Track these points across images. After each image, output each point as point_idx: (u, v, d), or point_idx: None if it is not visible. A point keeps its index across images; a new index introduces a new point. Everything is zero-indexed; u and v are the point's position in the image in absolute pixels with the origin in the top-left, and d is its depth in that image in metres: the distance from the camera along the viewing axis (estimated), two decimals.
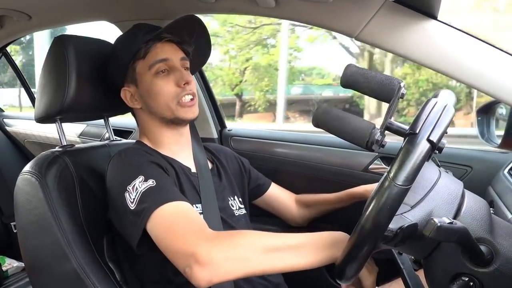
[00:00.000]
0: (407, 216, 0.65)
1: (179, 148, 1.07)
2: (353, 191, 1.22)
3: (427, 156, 0.59)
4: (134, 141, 1.26)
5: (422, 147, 0.59)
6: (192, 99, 1.02)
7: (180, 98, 1.00)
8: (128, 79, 1.04)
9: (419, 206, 0.67)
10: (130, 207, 0.85)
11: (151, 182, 0.85)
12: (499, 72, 0.89)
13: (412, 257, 0.86)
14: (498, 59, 0.89)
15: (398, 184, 0.57)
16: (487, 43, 0.90)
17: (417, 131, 0.60)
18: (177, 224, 0.80)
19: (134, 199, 0.85)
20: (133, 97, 1.04)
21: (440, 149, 0.66)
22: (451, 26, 0.92)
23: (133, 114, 1.10)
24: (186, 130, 1.09)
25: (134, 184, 0.86)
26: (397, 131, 0.66)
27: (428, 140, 0.59)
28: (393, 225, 0.60)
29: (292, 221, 1.32)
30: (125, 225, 0.89)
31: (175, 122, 1.03)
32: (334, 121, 0.66)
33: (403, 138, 0.66)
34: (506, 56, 0.88)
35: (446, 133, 0.63)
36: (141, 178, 0.86)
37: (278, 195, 1.30)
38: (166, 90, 0.99)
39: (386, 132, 0.66)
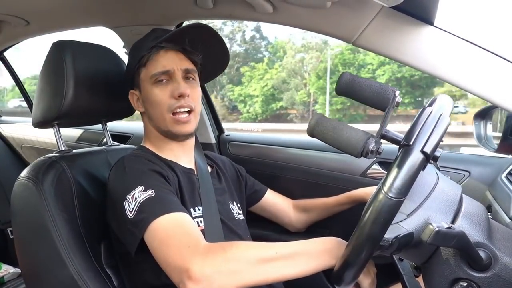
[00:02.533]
0: (403, 225, 0.65)
1: (181, 153, 1.07)
2: (352, 194, 1.22)
3: (421, 167, 0.59)
4: (132, 146, 1.26)
5: (416, 159, 0.59)
6: (189, 113, 1.00)
7: (174, 110, 0.99)
8: (134, 82, 1.05)
9: (415, 214, 0.67)
10: (129, 217, 0.85)
11: (150, 192, 0.86)
12: (496, 77, 0.89)
13: (413, 264, 0.86)
14: (495, 64, 0.89)
15: (392, 197, 0.57)
16: (483, 48, 0.90)
17: (411, 143, 0.60)
18: (171, 238, 0.80)
19: (133, 208, 0.85)
20: (138, 101, 1.06)
21: (436, 159, 0.65)
22: (448, 32, 0.93)
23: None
24: (188, 139, 1.08)
25: (134, 194, 0.86)
26: (392, 140, 0.66)
27: (422, 151, 0.59)
28: (389, 234, 0.60)
29: (290, 226, 1.32)
30: (123, 233, 0.89)
31: (169, 135, 1.03)
32: (328, 131, 0.66)
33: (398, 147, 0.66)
34: (503, 62, 0.89)
35: (442, 141, 0.63)
36: (140, 187, 0.86)
37: (275, 201, 1.30)
38: (160, 99, 0.99)
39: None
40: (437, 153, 0.63)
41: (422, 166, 0.59)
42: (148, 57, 1.00)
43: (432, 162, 0.65)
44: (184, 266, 0.75)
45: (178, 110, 0.99)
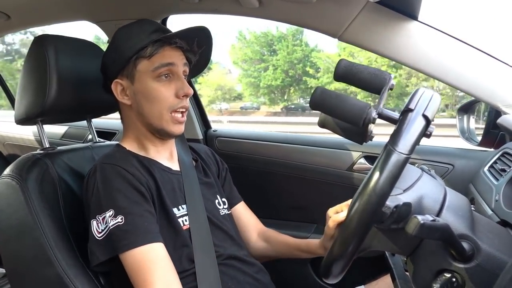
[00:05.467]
0: (400, 198, 0.66)
1: (161, 148, 1.05)
2: (310, 241, 1.09)
3: (424, 132, 0.62)
4: (118, 143, 1.24)
5: (419, 120, 0.62)
6: (182, 115, 1.00)
7: (174, 109, 0.97)
8: (124, 72, 0.99)
9: (411, 190, 0.69)
10: (96, 237, 0.87)
11: (119, 219, 0.85)
12: (478, 72, 0.91)
13: (404, 258, 0.88)
14: (478, 59, 0.91)
15: (399, 151, 0.59)
16: (466, 43, 0.92)
17: (413, 108, 0.63)
18: (135, 274, 0.85)
19: (102, 230, 0.86)
20: (124, 92, 1.00)
21: (430, 133, 0.68)
22: (432, 27, 0.94)
23: (119, 110, 1.06)
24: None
25: (104, 217, 0.86)
26: (388, 118, 0.68)
27: (424, 115, 0.62)
28: (390, 202, 0.62)
29: (248, 248, 1.16)
30: (89, 244, 0.90)
31: (159, 133, 1.01)
32: (332, 100, 0.68)
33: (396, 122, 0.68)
34: (485, 57, 0.90)
35: (433, 120, 0.65)
36: (111, 212, 0.86)
37: (242, 217, 1.21)
38: (164, 96, 0.96)
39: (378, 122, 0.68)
40: (431, 129, 0.66)
41: (424, 129, 0.62)
42: (152, 49, 0.96)
43: (428, 133, 0.67)
44: None
45: (177, 112, 0.98)
